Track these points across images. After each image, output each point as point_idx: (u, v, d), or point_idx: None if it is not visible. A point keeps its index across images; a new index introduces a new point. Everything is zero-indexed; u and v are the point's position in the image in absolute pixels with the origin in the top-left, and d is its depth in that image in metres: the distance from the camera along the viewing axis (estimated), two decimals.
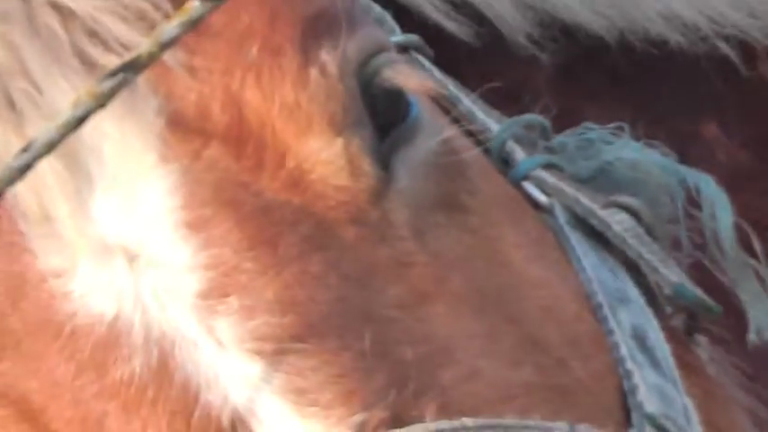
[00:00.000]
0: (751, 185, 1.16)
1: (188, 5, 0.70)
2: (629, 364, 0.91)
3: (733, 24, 1.16)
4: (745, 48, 1.17)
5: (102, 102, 0.72)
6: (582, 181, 1.04)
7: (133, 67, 0.71)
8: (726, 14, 1.15)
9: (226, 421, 0.81)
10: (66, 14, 0.87)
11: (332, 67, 0.88)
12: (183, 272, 0.85)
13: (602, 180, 1.05)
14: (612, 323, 0.93)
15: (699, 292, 0.98)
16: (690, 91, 1.19)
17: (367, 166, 0.88)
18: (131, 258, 0.86)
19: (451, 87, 1.07)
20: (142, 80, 0.83)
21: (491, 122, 1.06)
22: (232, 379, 0.82)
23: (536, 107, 1.09)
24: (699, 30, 1.15)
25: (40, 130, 0.76)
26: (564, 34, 1.18)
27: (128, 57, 0.71)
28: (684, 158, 1.09)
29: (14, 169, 0.80)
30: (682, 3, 1.13)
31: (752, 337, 1.01)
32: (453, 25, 1.15)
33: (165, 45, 0.71)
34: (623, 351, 0.92)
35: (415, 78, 0.92)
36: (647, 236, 0.99)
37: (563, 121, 1.09)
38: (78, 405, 0.86)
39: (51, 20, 0.87)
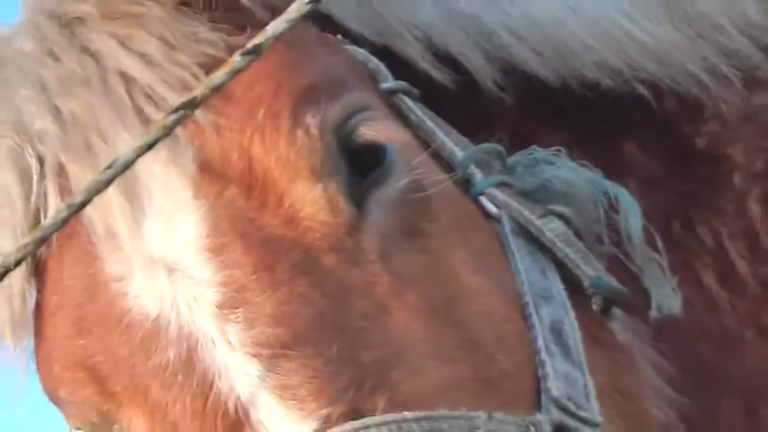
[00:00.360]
0: (659, 188, 1.38)
1: (232, 60, 0.95)
2: (544, 355, 1.10)
3: (647, 71, 1.38)
4: (655, 88, 1.40)
5: (167, 132, 0.97)
6: (527, 194, 1.24)
7: (190, 105, 0.96)
8: (641, 63, 1.38)
9: (231, 406, 1.04)
10: (130, 82, 1.13)
11: (314, 129, 1.12)
12: (206, 286, 1.09)
13: (542, 192, 1.24)
14: (535, 319, 1.13)
15: (612, 281, 1.18)
16: (615, 121, 1.42)
17: (343, 205, 1.11)
18: (170, 271, 1.12)
19: (428, 122, 1.28)
20: (182, 134, 1.09)
21: (458, 150, 1.26)
22: (237, 374, 1.05)
23: (498, 136, 1.32)
24: (622, 74, 1.37)
25: (120, 153, 1.02)
26: (522, 79, 1.41)
27: (186, 97, 0.95)
28: (609, 170, 1.32)
29: (100, 182, 1.06)
30: (610, 54, 1.35)
31: (654, 312, 1.25)
32: (437, 73, 1.37)
33: (215, 89, 0.96)
34: (540, 344, 1.11)
35: (384, 132, 1.14)
36: (575, 238, 1.20)
37: (520, 146, 1.32)
38: (130, 377, 1.13)
39: (119, 86, 1.12)
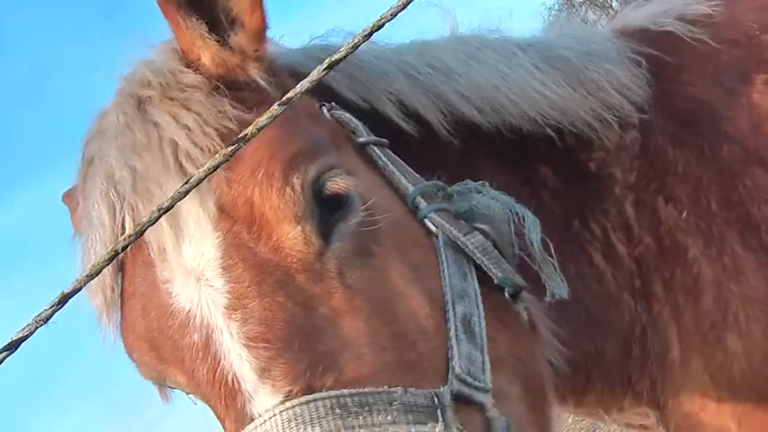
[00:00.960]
0: (563, 197, 1.84)
1: (272, 108, 1.38)
2: (453, 342, 1.50)
3: (554, 118, 1.88)
4: (559, 130, 1.90)
5: (225, 160, 1.37)
6: (459, 215, 1.66)
7: (242, 140, 1.38)
8: (551, 113, 1.87)
9: (230, 378, 1.45)
10: (177, 146, 1.56)
11: (297, 187, 1.55)
12: (219, 292, 1.52)
13: (470, 214, 1.67)
14: (450, 314, 1.53)
15: (515, 278, 1.62)
16: (532, 153, 1.89)
17: (314, 239, 1.55)
18: (197, 280, 1.54)
19: (390, 166, 1.71)
20: (207, 185, 1.52)
21: (410, 186, 1.68)
22: (235, 357, 1.46)
23: (448, 170, 1.78)
24: (537, 122, 1.87)
25: (167, 195, 1.42)
26: (467, 127, 1.89)
27: (240, 135, 1.37)
28: (529, 186, 1.79)
29: (161, 209, 1.44)
30: (528, 108, 1.85)
31: (548, 297, 1.69)
32: (406, 125, 1.82)
33: (260, 129, 1.37)
34: (451, 333, 1.51)
35: (346, 183, 1.56)
36: (491, 248, 1.62)
37: (466, 173, 1.77)
38: (172, 350, 1.55)
39: (168, 150, 1.55)
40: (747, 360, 1.80)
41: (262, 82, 1.65)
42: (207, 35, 1.63)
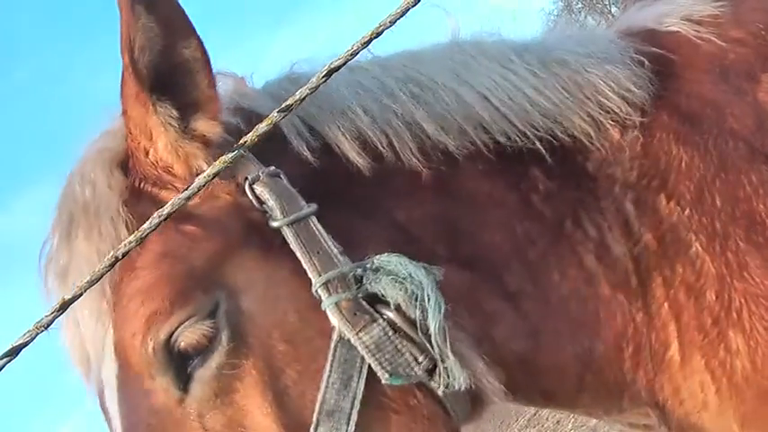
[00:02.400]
0: (556, 198, 1.83)
1: (271, 115, 1.39)
2: None
3: (546, 128, 1.84)
4: (555, 137, 1.90)
5: (228, 164, 1.39)
6: (367, 297, 1.54)
7: (241, 146, 1.39)
8: (542, 123, 1.80)
9: None
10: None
11: (150, 349, 1.49)
12: (115, 418, 1.60)
13: (378, 298, 1.54)
14: None
15: (411, 373, 1.56)
16: (519, 161, 1.82)
17: (172, 390, 1.52)
18: (109, 395, 1.61)
19: (299, 251, 1.55)
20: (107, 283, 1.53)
21: (315, 275, 1.53)
22: None
23: (414, 200, 1.74)
24: (526, 135, 1.80)
25: (187, 187, 1.43)
26: (444, 149, 1.80)
27: (242, 140, 1.38)
28: (507, 203, 1.80)
29: (162, 215, 1.45)
30: (518, 119, 1.78)
31: (440, 388, 1.59)
32: (363, 161, 1.69)
33: (260, 136, 1.39)
34: None
35: (200, 336, 1.49)
36: (390, 341, 1.54)
37: (437, 199, 1.75)
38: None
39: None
40: (750, 358, 1.76)
41: (205, 167, 1.56)
42: (172, 122, 1.56)
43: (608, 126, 1.88)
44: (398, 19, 1.39)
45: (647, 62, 1.97)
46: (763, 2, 2.20)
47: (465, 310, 1.65)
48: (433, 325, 1.51)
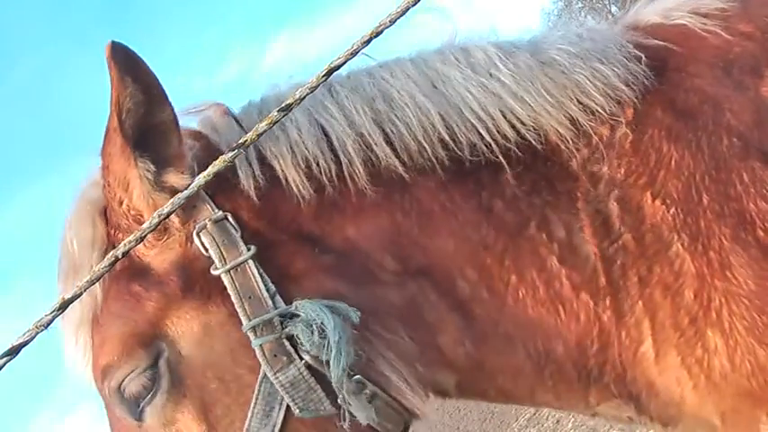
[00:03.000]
0: (522, 201, 1.84)
1: (271, 114, 1.39)
2: None
3: (521, 135, 1.84)
4: (524, 148, 1.86)
5: (229, 163, 1.39)
6: (290, 338, 1.68)
7: (242, 146, 1.39)
8: (515, 133, 1.84)
9: None
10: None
11: (106, 392, 1.74)
12: None
13: (297, 341, 1.67)
14: None
15: (321, 408, 1.71)
16: (487, 168, 1.85)
17: (130, 419, 1.77)
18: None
19: (234, 296, 1.69)
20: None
21: (245, 320, 1.68)
22: None
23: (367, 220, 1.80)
24: (492, 147, 1.83)
25: (187, 186, 1.43)
26: (396, 172, 1.84)
27: (241, 139, 1.38)
28: (463, 211, 1.83)
29: (161, 215, 1.45)
30: (488, 132, 1.83)
31: (346, 425, 1.71)
32: (307, 192, 1.77)
33: (259, 135, 1.39)
34: None
35: (142, 385, 1.72)
36: (304, 381, 1.69)
37: (388, 218, 1.81)
38: None
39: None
40: (729, 357, 1.74)
41: (176, 221, 1.75)
42: (148, 175, 1.72)
43: (591, 126, 1.86)
44: (398, 18, 1.40)
45: (644, 57, 1.95)
46: None
47: (409, 323, 1.76)
48: (335, 374, 1.64)
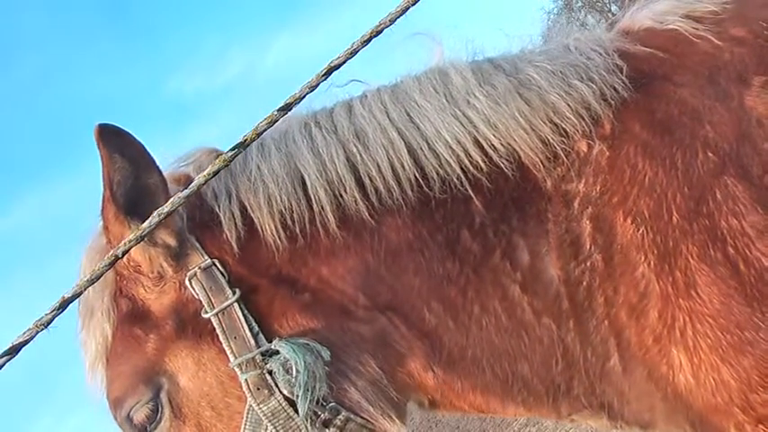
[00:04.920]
0: (489, 229, 1.87)
1: (271, 113, 1.39)
2: None
3: (493, 163, 1.86)
4: (494, 176, 1.87)
5: (227, 163, 1.39)
6: (271, 373, 1.84)
7: (242, 145, 1.39)
8: (485, 162, 1.85)
9: None
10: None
11: (119, 420, 1.92)
12: None
13: (276, 376, 1.83)
14: None
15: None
16: (455, 199, 1.89)
17: None
18: None
19: (222, 335, 1.85)
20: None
21: (231, 356, 1.84)
22: None
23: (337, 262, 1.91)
24: (463, 178, 1.85)
25: (187, 185, 1.43)
26: (359, 211, 1.92)
27: (241, 139, 1.38)
28: (429, 247, 1.89)
29: (162, 214, 1.45)
30: (459, 165, 1.87)
31: None
32: (282, 236, 1.88)
33: (259, 134, 1.39)
34: None
35: (147, 415, 1.90)
36: (283, 411, 1.84)
37: (357, 257, 1.90)
38: None
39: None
40: (693, 374, 1.74)
41: (169, 270, 1.90)
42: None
43: (564, 145, 1.86)
44: (398, 17, 1.40)
45: (627, 68, 1.92)
46: None
47: (379, 354, 1.88)
48: (301, 409, 1.81)
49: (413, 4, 1.44)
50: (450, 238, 1.87)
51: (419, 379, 1.88)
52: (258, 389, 1.84)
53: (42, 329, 1.53)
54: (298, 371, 1.82)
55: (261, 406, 1.83)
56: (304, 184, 1.89)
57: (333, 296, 1.89)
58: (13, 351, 1.49)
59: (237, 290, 1.85)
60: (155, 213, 1.51)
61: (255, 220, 1.89)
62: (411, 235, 1.88)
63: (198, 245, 1.89)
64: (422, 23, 1.97)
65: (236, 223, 1.88)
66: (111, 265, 1.42)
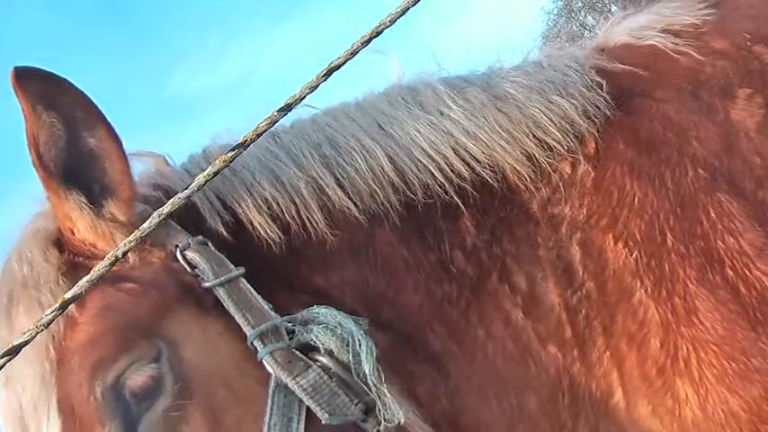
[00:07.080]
0: (483, 251, 1.77)
1: (272, 113, 1.39)
2: None
3: (476, 174, 1.78)
4: (479, 189, 1.80)
5: (227, 164, 1.39)
6: (301, 347, 1.59)
7: (241, 146, 1.39)
8: (469, 171, 1.77)
9: None
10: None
11: (98, 394, 1.49)
12: None
13: (310, 347, 1.58)
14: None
15: (348, 413, 1.58)
16: (445, 216, 1.79)
17: None
18: None
19: (232, 307, 1.59)
20: (51, 375, 1.51)
21: (249, 328, 1.57)
22: None
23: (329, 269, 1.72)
24: (445, 187, 1.77)
25: (186, 186, 1.43)
26: (353, 216, 1.77)
27: (242, 139, 1.38)
28: (425, 266, 1.76)
29: (162, 214, 1.45)
30: (441, 172, 1.77)
31: (381, 427, 1.61)
32: (273, 235, 1.69)
33: (259, 135, 1.39)
34: None
35: (147, 377, 1.51)
36: (326, 384, 1.57)
37: (353, 268, 1.73)
38: None
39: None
40: (701, 406, 1.66)
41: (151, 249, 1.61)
42: (84, 206, 1.59)
43: (550, 163, 1.79)
44: (398, 18, 1.40)
45: (606, 85, 1.87)
46: (759, 6, 2.06)
47: (389, 369, 1.65)
48: (367, 367, 1.57)
49: (413, 5, 1.44)
50: (443, 259, 1.76)
51: (428, 409, 1.71)
52: (290, 362, 1.57)
53: (42, 330, 1.53)
54: (348, 332, 1.58)
55: (299, 380, 1.55)
56: (281, 180, 1.73)
57: (331, 306, 1.70)
58: (13, 351, 1.49)
59: (242, 267, 1.62)
60: (154, 214, 1.50)
61: (241, 213, 1.71)
62: (404, 251, 1.77)
63: (180, 228, 1.65)
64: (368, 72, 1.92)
65: (221, 216, 1.69)
66: (112, 265, 1.41)
